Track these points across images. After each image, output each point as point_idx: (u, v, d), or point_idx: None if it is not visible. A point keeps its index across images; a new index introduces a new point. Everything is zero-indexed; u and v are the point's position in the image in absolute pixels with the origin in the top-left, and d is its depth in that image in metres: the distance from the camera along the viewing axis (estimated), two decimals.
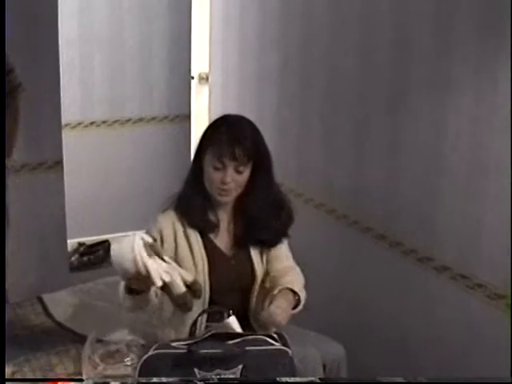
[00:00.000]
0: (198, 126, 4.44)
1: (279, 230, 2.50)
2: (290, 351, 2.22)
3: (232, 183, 2.35)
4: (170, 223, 2.43)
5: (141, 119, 4.78)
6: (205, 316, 2.38)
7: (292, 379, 2.11)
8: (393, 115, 2.89)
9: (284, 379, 2.07)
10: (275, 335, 2.33)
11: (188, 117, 4.64)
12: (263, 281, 2.49)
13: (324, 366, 2.47)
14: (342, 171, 3.21)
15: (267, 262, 2.50)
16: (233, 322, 2.26)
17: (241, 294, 2.47)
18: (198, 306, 2.36)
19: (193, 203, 2.42)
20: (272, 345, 2.22)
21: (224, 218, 2.47)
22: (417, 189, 2.80)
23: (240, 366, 2.10)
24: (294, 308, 2.36)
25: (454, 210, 2.63)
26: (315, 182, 3.40)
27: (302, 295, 2.40)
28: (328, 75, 3.27)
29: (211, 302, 2.41)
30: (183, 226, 2.42)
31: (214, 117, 4.09)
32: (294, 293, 2.36)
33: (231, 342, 2.14)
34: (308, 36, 3.36)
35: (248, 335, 2.20)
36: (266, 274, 2.49)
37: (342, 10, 3.13)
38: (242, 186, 2.39)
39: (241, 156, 2.33)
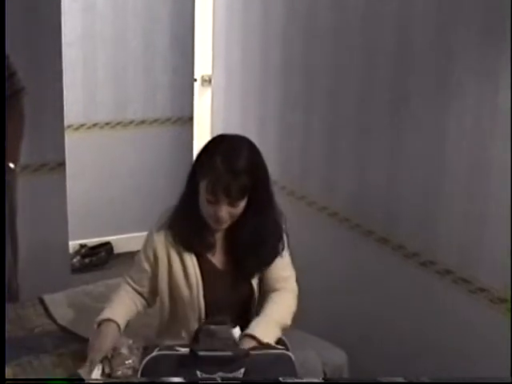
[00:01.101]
0: (201, 128, 4.44)
1: (266, 258, 2.40)
2: (291, 355, 2.22)
3: (226, 217, 2.26)
4: (163, 243, 2.35)
5: (143, 121, 4.78)
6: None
7: (294, 380, 2.11)
8: (395, 118, 2.89)
9: (286, 379, 2.07)
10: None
11: (191, 119, 4.65)
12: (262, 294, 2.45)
13: (325, 373, 2.46)
14: (345, 174, 3.21)
15: (266, 280, 2.43)
16: (236, 332, 2.26)
17: (239, 308, 2.42)
18: (193, 322, 2.35)
19: (187, 226, 2.34)
20: (274, 349, 2.23)
21: (220, 236, 2.39)
22: (419, 192, 2.79)
23: (242, 370, 2.10)
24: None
25: (456, 213, 2.63)
26: (317, 185, 3.40)
27: (267, 335, 2.26)
28: (331, 79, 3.27)
29: (207, 317, 2.36)
30: (177, 245, 2.35)
31: (217, 119, 4.12)
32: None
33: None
34: (311, 39, 3.37)
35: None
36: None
37: (345, 13, 3.13)
38: (236, 216, 2.29)
39: (236, 192, 2.21)
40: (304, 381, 2.17)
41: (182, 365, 2.11)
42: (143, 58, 4.69)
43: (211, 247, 2.37)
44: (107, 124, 4.67)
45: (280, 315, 2.36)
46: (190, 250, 2.34)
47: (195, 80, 4.45)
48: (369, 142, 3.05)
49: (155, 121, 4.81)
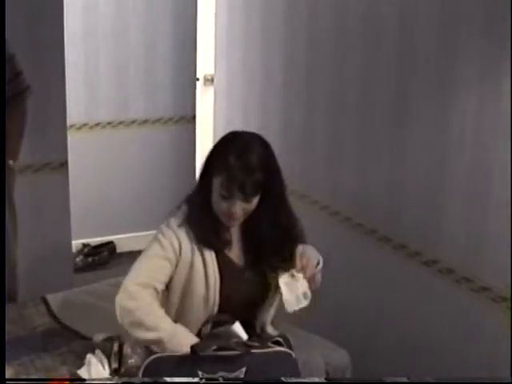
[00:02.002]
0: (203, 127, 4.44)
1: (290, 246, 2.40)
2: (293, 354, 2.22)
3: (239, 213, 2.27)
4: (186, 238, 2.33)
5: (146, 121, 4.78)
6: (208, 326, 2.34)
7: (297, 379, 2.11)
8: (397, 118, 2.89)
9: (289, 379, 2.07)
10: (280, 338, 2.33)
11: (193, 118, 4.65)
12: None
13: (327, 373, 2.46)
14: (347, 173, 3.21)
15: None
16: (237, 329, 2.25)
17: (250, 305, 2.43)
18: (207, 313, 2.35)
19: (204, 224, 2.33)
20: (275, 347, 2.23)
21: (236, 232, 2.40)
22: (421, 191, 2.79)
23: (243, 369, 2.10)
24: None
25: (458, 212, 2.63)
26: (319, 185, 3.40)
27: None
28: (333, 78, 3.27)
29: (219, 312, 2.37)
30: (197, 241, 2.34)
31: (219, 118, 4.11)
32: None
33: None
34: (312, 38, 3.37)
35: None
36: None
37: (346, 12, 3.13)
38: (250, 212, 2.30)
39: (250, 188, 2.22)
40: (306, 381, 2.17)
41: (183, 364, 2.11)
42: (145, 57, 4.69)
43: (227, 243, 2.38)
44: (109, 123, 4.67)
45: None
46: (209, 246, 2.34)
47: (197, 79, 4.45)
48: (371, 142, 3.05)
49: (157, 120, 4.81)
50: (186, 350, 2.14)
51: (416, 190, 2.82)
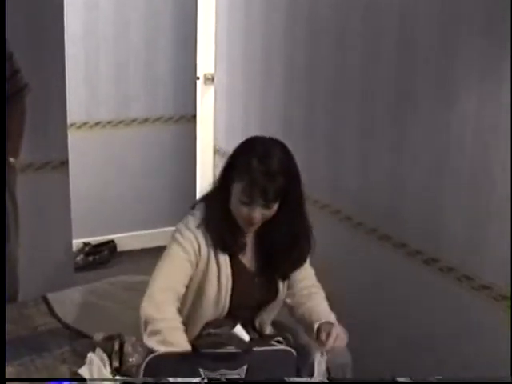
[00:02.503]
0: (204, 126, 4.44)
1: (299, 258, 2.44)
2: (294, 352, 2.23)
3: (259, 217, 2.27)
4: (205, 239, 2.33)
5: (146, 119, 4.78)
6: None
7: (299, 379, 2.11)
8: (398, 116, 2.89)
9: (291, 379, 2.07)
10: (280, 338, 2.33)
11: (193, 117, 4.65)
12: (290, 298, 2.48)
13: (329, 372, 2.46)
14: (348, 172, 3.21)
15: (293, 289, 2.48)
16: (239, 331, 2.25)
17: (258, 307, 2.45)
18: (216, 314, 2.35)
19: (221, 228, 2.32)
20: (276, 345, 2.23)
21: (250, 237, 2.41)
22: (422, 190, 2.79)
23: (245, 367, 2.10)
24: None
25: (458, 211, 2.63)
26: (320, 184, 3.39)
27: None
28: (333, 77, 3.26)
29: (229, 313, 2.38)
30: (214, 244, 2.33)
31: (220, 117, 4.11)
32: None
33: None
34: (314, 36, 3.36)
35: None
36: (288, 290, 2.48)
37: (347, 11, 3.13)
38: (269, 217, 2.30)
39: (271, 194, 2.21)
40: (308, 380, 2.17)
41: (184, 362, 2.11)
42: (146, 56, 4.69)
43: (243, 248, 2.38)
44: (110, 122, 4.67)
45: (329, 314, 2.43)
46: (224, 250, 2.34)
47: (198, 78, 4.44)
48: (372, 140, 3.05)
49: (158, 119, 4.81)
50: None
51: (416, 188, 2.82)
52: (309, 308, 2.42)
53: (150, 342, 2.21)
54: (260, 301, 2.43)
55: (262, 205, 2.23)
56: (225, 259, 2.34)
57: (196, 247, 2.31)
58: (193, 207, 2.42)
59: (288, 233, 2.34)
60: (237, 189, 2.24)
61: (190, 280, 2.34)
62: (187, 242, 2.31)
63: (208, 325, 2.32)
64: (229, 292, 2.35)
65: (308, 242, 2.41)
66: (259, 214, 2.25)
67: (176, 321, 2.26)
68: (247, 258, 2.41)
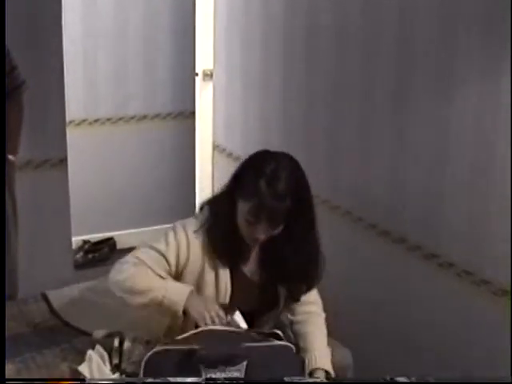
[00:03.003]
0: (203, 123, 4.43)
1: (307, 282, 2.41)
2: (293, 347, 2.23)
3: (264, 237, 2.22)
4: (200, 247, 2.30)
5: (145, 116, 4.77)
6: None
7: (298, 379, 2.11)
8: (397, 113, 2.89)
9: (291, 379, 2.07)
10: (279, 332, 2.33)
11: (192, 114, 4.64)
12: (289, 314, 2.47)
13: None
14: (347, 168, 3.21)
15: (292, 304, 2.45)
16: (238, 318, 2.26)
17: (255, 315, 2.42)
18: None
19: (225, 239, 2.28)
20: (275, 341, 2.23)
21: (254, 249, 2.37)
22: (421, 185, 2.79)
23: (244, 363, 2.10)
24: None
25: (458, 206, 2.63)
26: (320, 179, 3.38)
27: (331, 370, 2.34)
28: (333, 73, 3.26)
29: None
30: (212, 253, 2.30)
31: (219, 114, 4.10)
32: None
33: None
34: (312, 33, 3.36)
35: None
36: (288, 305, 2.45)
37: (346, 8, 3.12)
38: (274, 235, 2.25)
39: (279, 217, 2.18)
40: (308, 380, 2.17)
41: (184, 359, 2.11)
42: (144, 52, 4.69)
43: (246, 260, 2.36)
44: (109, 119, 4.66)
45: (325, 340, 2.42)
46: (224, 261, 2.31)
47: (196, 74, 4.44)
48: (371, 136, 3.05)
49: (157, 116, 4.81)
50: (182, 302, 2.20)
51: (416, 184, 2.82)
52: (306, 337, 2.39)
53: (130, 301, 2.29)
54: (259, 309, 2.41)
55: (268, 225, 2.19)
56: (224, 270, 2.32)
57: (184, 251, 2.29)
58: (200, 209, 2.37)
59: (296, 252, 2.29)
60: (243, 207, 2.19)
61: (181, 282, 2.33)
62: (175, 242, 2.30)
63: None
64: (227, 300, 2.34)
65: (316, 267, 2.37)
66: (265, 234, 2.22)
67: (140, 271, 2.27)
68: (249, 268, 2.38)
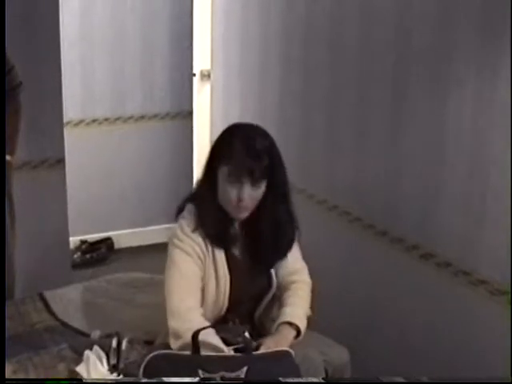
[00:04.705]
0: (200, 123, 4.44)
1: (283, 246, 2.45)
2: (292, 352, 2.23)
3: (248, 200, 2.28)
4: (202, 242, 2.33)
5: (143, 116, 4.78)
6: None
7: (296, 379, 2.11)
8: (394, 112, 2.89)
9: (287, 380, 2.06)
10: (290, 350, 2.32)
11: (190, 114, 4.64)
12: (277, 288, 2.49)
13: (326, 371, 2.46)
14: (344, 168, 3.21)
15: (280, 273, 2.48)
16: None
17: (254, 300, 2.46)
18: (215, 314, 2.35)
19: (212, 221, 2.33)
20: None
21: (240, 228, 2.41)
22: (418, 185, 2.79)
23: (244, 368, 2.10)
24: (297, 337, 2.36)
25: (455, 206, 2.63)
26: (317, 179, 3.40)
27: (302, 325, 2.37)
28: (330, 72, 3.26)
29: (227, 313, 2.38)
30: (209, 242, 2.34)
31: (216, 114, 4.10)
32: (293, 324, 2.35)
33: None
34: (310, 33, 3.36)
35: None
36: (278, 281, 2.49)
37: (343, 7, 3.12)
38: (257, 200, 2.32)
39: (258, 172, 2.25)
40: (304, 381, 2.17)
41: (184, 364, 2.10)
42: (142, 52, 4.69)
43: (234, 240, 2.39)
44: (106, 120, 4.67)
45: (305, 305, 2.45)
46: (218, 244, 2.35)
47: (194, 75, 4.44)
48: (368, 136, 3.05)
49: (154, 116, 4.81)
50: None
51: (414, 183, 2.82)
52: (283, 300, 2.44)
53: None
54: (255, 294, 2.44)
55: (249, 184, 2.25)
56: (221, 256, 2.35)
57: (197, 249, 2.31)
58: (181, 209, 2.40)
59: (272, 220, 2.36)
60: (223, 173, 2.27)
61: None
62: (188, 246, 2.31)
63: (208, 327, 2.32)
64: (227, 288, 2.35)
65: (292, 230, 2.44)
66: (247, 194, 2.27)
67: (204, 323, 2.24)
68: (239, 251, 2.42)
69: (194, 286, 2.30)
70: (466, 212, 2.59)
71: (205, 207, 2.34)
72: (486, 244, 2.51)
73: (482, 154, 2.49)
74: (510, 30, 2.30)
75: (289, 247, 2.46)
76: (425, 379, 2.16)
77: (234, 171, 2.24)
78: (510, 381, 2.17)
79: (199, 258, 2.31)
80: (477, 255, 2.55)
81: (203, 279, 2.33)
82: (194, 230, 2.32)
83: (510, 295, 2.41)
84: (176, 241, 2.33)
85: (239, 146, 2.25)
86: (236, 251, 2.40)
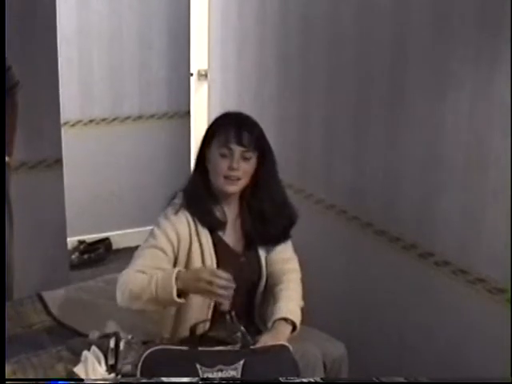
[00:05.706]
0: (198, 122, 4.44)
1: (284, 227, 2.49)
2: (290, 346, 2.23)
3: (239, 171, 2.34)
4: (185, 222, 2.37)
5: (140, 116, 4.77)
6: (207, 324, 2.34)
7: (294, 379, 2.11)
8: (392, 111, 2.89)
9: (287, 379, 2.07)
10: (287, 344, 2.33)
11: (187, 113, 4.64)
12: (268, 278, 2.50)
13: (325, 366, 2.46)
14: (342, 167, 3.21)
15: (271, 262, 2.49)
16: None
17: (247, 291, 2.47)
18: (205, 302, 2.35)
19: (200, 201, 2.39)
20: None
21: (230, 214, 2.44)
22: (416, 184, 2.79)
23: (241, 362, 2.11)
24: (293, 331, 2.36)
25: (453, 204, 2.63)
26: (315, 178, 3.39)
27: (298, 320, 2.37)
28: (327, 71, 3.26)
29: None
30: (195, 224, 2.38)
31: (214, 113, 4.09)
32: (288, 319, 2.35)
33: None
34: (307, 32, 3.36)
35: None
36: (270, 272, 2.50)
37: (340, 6, 3.12)
38: (248, 175, 2.37)
39: (248, 141, 2.34)
40: (303, 380, 2.17)
41: (181, 358, 2.11)
42: (139, 52, 4.69)
43: (223, 223, 2.41)
44: (104, 120, 4.66)
45: (298, 297, 2.45)
46: (204, 226, 2.38)
47: (191, 74, 4.44)
48: (366, 134, 3.05)
49: (152, 116, 4.81)
50: (171, 284, 2.17)
51: (412, 182, 2.82)
52: (276, 292, 2.43)
53: (134, 306, 2.30)
54: (247, 282, 2.44)
55: (240, 152, 2.32)
56: (207, 240, 2.37)
57: (173, 235, 2.34)
58: (173, 197, 2.45)
59: (269, 196, 2.42)
60: (214, 146, 2.36)
61: (176, 265, 2.35)
62: (160, 230, 2.35)
63: (204, 321, 2.32)
64: None
65: (291, 210, 2.49)
66: (238, 164, 2.32)
67: (140, 278, 2.28)
68: (230, 239, 2.44)
69: (149, 265, 2.30)
70: (464, 211, 2.59)
71: (194, 187, 2.42)
72: (484, 243, 2.51)
73: (481, 154, 2.49)
74: (509, 27, 2.30)
75: (286, 231, 2.49)
76: (424, 379, 2.15)
77: (224, 141, 2.33)
78: (510, 381, 2.17)
79: (170, 242, 2.33)
80: (475, 254, 2.55)
81: (179, 263, 2.35)
82: (176, 213, 2.37)
83: (509, 294, 2.41)
84: (154, 227, 2.38)
85: (229, 119, 2.40)
86: (226, 238, 2.43)
